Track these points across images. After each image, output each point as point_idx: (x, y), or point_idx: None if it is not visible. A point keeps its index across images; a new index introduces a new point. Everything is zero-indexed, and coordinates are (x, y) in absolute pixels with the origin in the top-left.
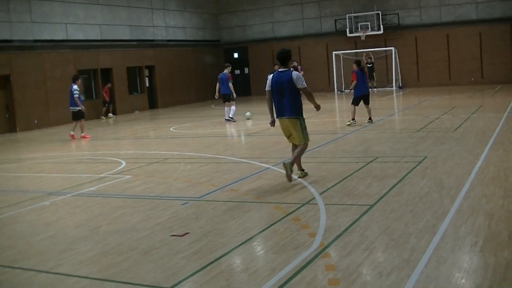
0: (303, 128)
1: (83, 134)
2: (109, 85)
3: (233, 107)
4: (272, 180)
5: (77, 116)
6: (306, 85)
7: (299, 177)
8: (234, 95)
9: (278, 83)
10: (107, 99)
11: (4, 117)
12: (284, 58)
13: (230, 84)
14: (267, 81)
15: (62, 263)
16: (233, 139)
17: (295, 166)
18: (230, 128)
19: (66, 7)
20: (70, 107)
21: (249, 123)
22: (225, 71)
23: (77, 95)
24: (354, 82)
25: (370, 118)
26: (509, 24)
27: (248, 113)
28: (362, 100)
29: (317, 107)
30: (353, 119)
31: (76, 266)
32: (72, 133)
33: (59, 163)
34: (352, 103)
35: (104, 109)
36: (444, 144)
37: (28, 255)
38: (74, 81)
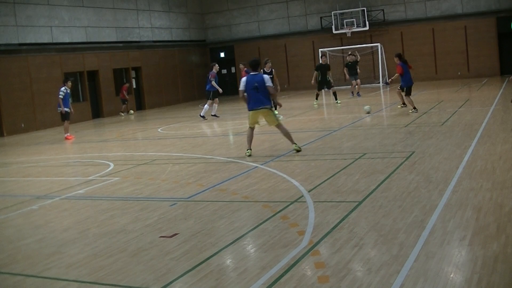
0: (274, 114)
1: (66, 135)
2: (127, 84)
3: (206, 106)
4: (261, 179)
5: (62, 117)
6: (272, 85)
7: (295, 149)
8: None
9: (253, 83)
10: (126, 97)
11: None
12: (256, 65)
13: (214, 82)
14: (242, 83)
15: (51, 267)
16: (221, 139)
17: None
18: (218, 128)
19: (51, 10)
20: (58, 108)
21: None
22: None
23: (61, 97)
24: (397, 74)
25: (414, 107)
26: (494, 18)
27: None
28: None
29: (278, 103)
30: (414, 107)
31: (65, 270)
32: (67, 134)
33: (47, 166)
34: (406, 95)
35: (123, 106)
36: (432, 138)
37: (16, 259)
38: (64, 83)
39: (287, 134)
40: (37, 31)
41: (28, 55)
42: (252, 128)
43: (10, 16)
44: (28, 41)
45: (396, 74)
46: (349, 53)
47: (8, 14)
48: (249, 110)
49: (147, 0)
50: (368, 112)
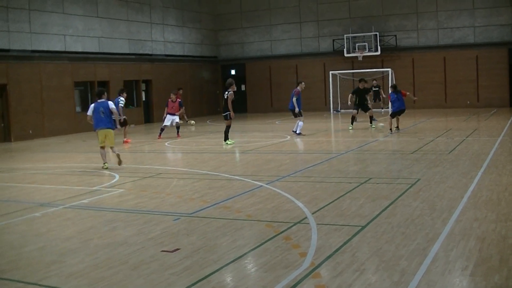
0: (113, 135)
1: (125, 139)
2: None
3: (300, 123)
4: (265, 198)
5: (121, 124)
6: (116, 109)
7: (104, 168)
8: (297, 110)
9: (100, 108)
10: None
11: None
12: (100, 94)
13: (294, 100)
14: (90, 107)
15: (51, 275)
16: (227, 156)
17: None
18: (227, 145)
19: (65, 18)
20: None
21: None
22: (298, 87)
23: (122, 105)
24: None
25: (396, 127)
26: (506, 48)
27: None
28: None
29: (120, 123)
30: (390, 129)
31: (65, 279)
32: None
33: (53, 174)
34: (390, 115)
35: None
36: (438, 166)
37: (17, 266)
38: (120, 93)
39: (117, 155)
40: (51, 39)
41: (40, 62)
42: (102, 147)
43: (25, 23)
44: (41, 48)
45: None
46: (371, 79)
47: (23, 20)
48: (95, 129)
49: (161, 14)
50: (380, 129)
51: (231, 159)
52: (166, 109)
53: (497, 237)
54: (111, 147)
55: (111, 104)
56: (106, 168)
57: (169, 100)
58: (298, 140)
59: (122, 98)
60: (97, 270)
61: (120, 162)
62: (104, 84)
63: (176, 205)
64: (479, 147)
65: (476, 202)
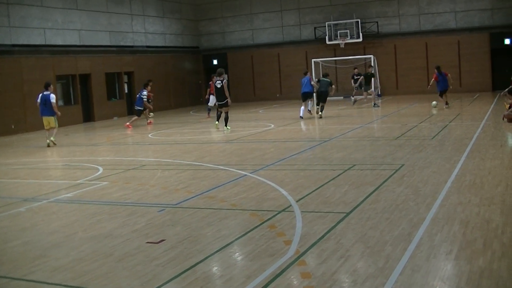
0: (56, 120)
1: (149, 121)
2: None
3: (309, 103)
4: (249, 187)
5: (138, 114)
6: (55, 102)
7: (53, 145)
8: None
9: (44, 99)
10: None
11: None
12: (46, 86)
13: (312, 83)
14: (38, 97)
15: (36, 270)
16: (211, 146)
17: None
18: (210, 135)
19: (45, 12)
20: (136, 106)
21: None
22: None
23: (145, 98)
24: (433, 80)
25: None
26: (487, 33)
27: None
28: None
29: (57, 114)
30: (446, 102)
31: (50, 273)
32: (128, 123)
33: (36, 169)
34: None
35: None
36: (422, 152)
37: (1, 261)
38: (145, 87)
39: (53, 133)
40: (30, 32)
41: (21, 56)
42: (47, 130)
43: (3, 17)
44: (20, 42)
45: (432, 80)
46: (370, 65)
47: (1, 14)
48: (41, 116)
49: (141, 5)
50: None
51: (214, 149)
52: (208, 90)
53: (480, 220)
54: (53, 128)
55: (52, 97)
56: (54, 145)
57: (211, 82)
58: (282, 128)
59: (144, 93)
60: (82, 263)
61: (53, 142)
62: (86, 77)
63: (160, 197)
64: (462, 132)
65: (460, 186)
